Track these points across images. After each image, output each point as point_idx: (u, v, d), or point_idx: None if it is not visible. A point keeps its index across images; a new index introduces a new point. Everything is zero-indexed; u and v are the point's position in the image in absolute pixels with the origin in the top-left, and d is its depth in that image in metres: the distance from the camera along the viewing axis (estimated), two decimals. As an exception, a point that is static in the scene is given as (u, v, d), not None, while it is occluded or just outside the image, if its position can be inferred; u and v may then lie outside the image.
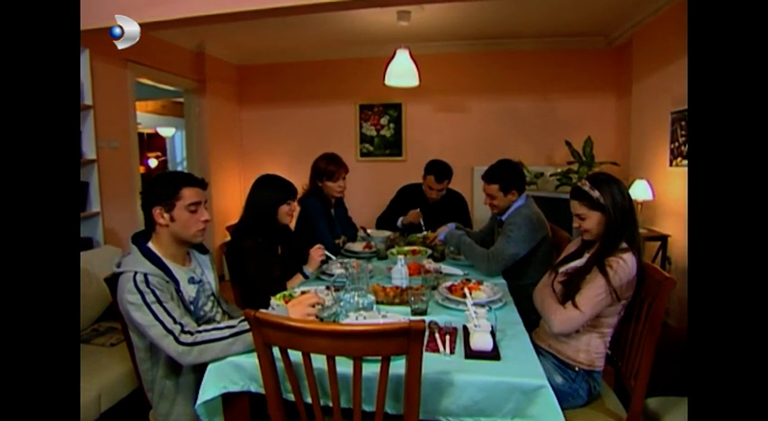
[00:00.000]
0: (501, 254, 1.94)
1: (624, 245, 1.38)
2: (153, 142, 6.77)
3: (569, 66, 4.06)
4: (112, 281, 1.32)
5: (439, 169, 2.71)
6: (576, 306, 1.33)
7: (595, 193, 1.41)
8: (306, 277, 1.86)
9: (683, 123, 2.80)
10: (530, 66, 4.11)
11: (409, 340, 0.91)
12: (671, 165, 2.98)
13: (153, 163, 6.62)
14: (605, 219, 1.40)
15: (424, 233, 2.52)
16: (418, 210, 2.76)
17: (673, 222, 3.01)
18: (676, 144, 2.90)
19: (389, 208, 3.00)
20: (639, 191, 3.03)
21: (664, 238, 2.98)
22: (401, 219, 2.85)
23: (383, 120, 4.46)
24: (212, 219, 4.66)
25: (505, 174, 2.10)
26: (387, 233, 2.67)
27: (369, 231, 2.70)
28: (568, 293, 1.40)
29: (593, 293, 1.32)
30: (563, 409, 1.33)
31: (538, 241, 2.02)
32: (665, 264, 2.98)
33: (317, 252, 1.88)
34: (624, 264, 1.32)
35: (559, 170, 3.75)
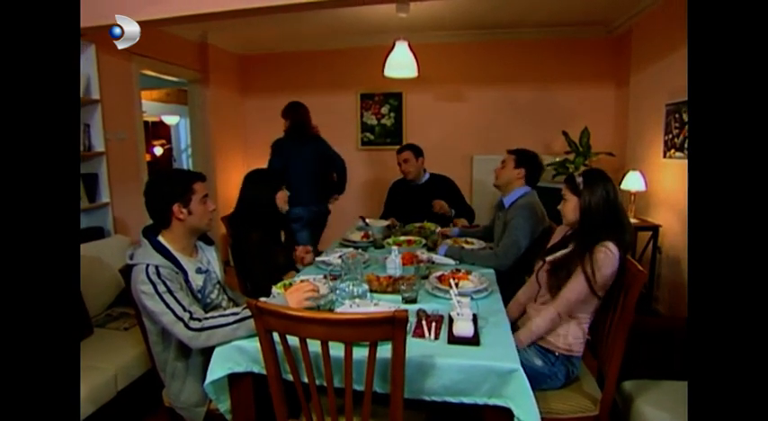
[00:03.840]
0: (509, 250, 2.04)
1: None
2: (158, 130, 6.85)
3: (569, 55, 4.06)
4: (126, 271, 1.43)
5: (401, 147, 3.04)
6: (554, 307, 1.47)
7: (579, 179, 1.51)
8: (297, 271, 1.95)
9: (677, 116, 2.84)
10: (529, 55, 4.12)
11: (394, 327, 1.01)
12: (664, 156, 3.03)
13: (158, 151, 6.71)
14: (580, 205, 1.49)
15: (423, 223, 2.65)
16: (442, 201, 2.84)
17: (664, 213, 3.08)
18: (670, 136, 2.95)
19: (385, 207, 3.14)
20: (632, 182, 3.09)
21: (655, 228, 3.05)
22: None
23: (384, 110, 4.51)
24: (217, 208, 4.76)
25: (527, 156, 2.23)
26: (385, 222, 2.77)
27: (368, 221, 2.79)
28: (552, 284, 1.51)
29: (573, 297, 1.44)
30: (542, 390, 1.46)
31: (539, 233, 2.12)
32: (656, 253, 3.06)
33: (306, 257, 1.97)
34: (610, 254, 1.39)
35: (557, 160, 3.80)
